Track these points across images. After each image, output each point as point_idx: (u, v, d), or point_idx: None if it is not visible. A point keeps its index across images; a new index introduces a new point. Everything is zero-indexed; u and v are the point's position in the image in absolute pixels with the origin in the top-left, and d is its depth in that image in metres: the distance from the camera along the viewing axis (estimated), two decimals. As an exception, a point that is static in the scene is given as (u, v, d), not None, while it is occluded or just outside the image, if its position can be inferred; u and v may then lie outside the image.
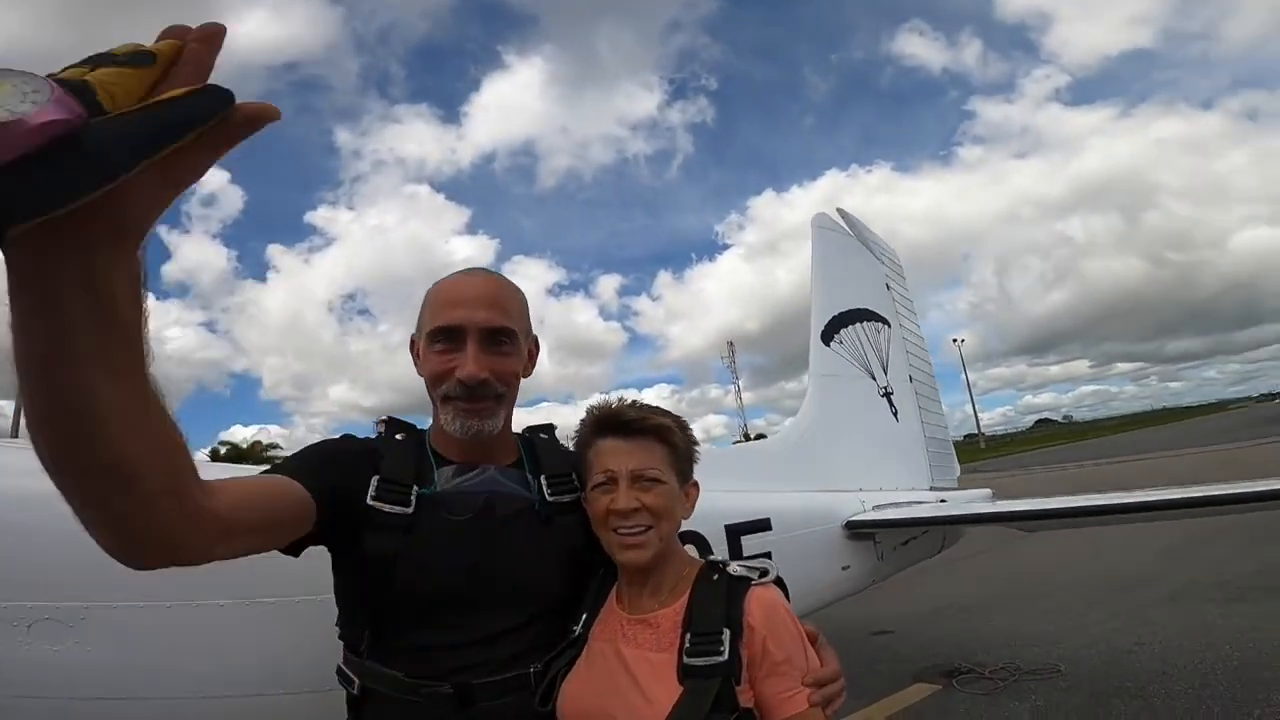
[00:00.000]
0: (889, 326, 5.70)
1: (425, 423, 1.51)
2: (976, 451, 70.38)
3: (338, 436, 1.48)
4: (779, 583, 1.32)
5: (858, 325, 5.40)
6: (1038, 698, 4.41)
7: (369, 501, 1.32)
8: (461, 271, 1.49)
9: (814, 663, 1.25)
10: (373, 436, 1.48)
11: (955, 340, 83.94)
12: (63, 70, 0.56)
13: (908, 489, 5.13)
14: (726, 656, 1.18)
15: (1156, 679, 4.47)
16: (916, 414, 5.68)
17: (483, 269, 1.51)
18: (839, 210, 5.91)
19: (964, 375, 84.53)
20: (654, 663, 1.23)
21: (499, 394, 1.39)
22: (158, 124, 0.56)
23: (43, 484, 1.80)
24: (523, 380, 1.48)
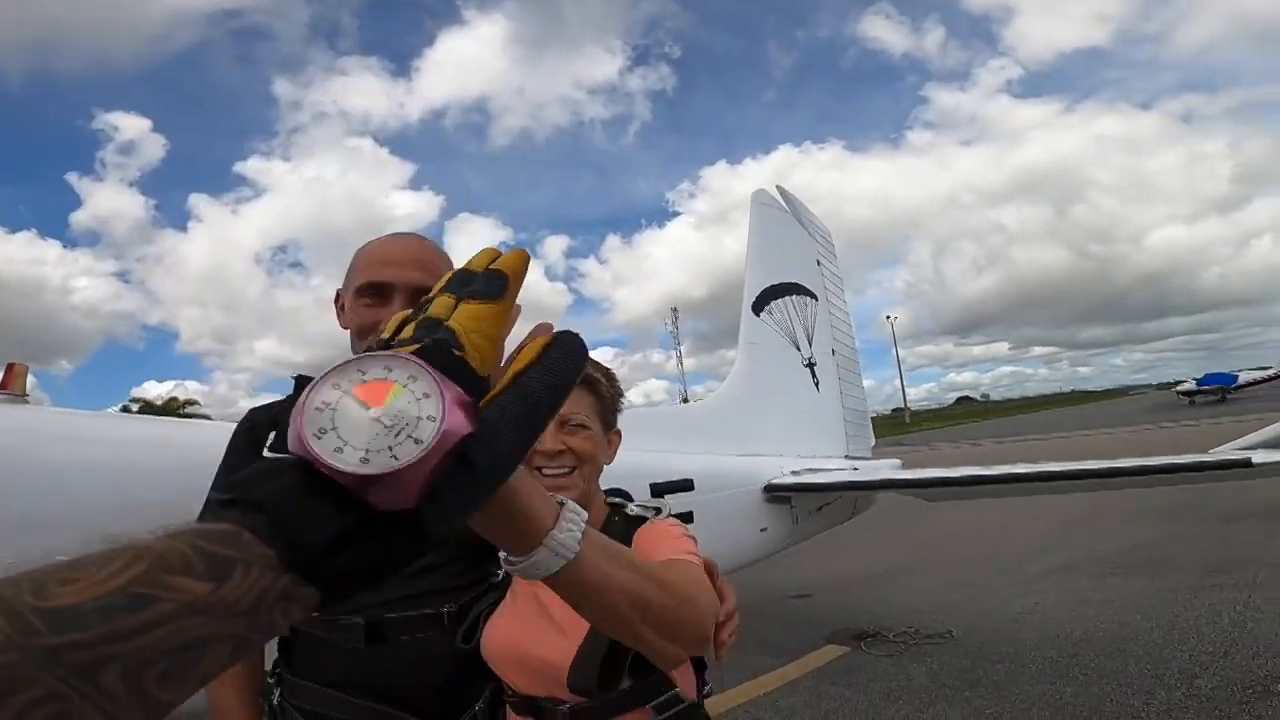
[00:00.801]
0: (817, 301, 5.88)
1: None
2: (902, 425, 72.93)
3: (239, 424, 1.53)
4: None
5: (787, 298, 5.56)
6: (933, 661, 4.68)
7: (265, 454, 1.32)
8: (393, 234, 1.55)
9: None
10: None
11: (889, 317, 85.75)
12: (419, 311, 0.52)
13: (825, 457, 5.33)
14: None
15: (1033, 646, 4.79)
16: (837, 386, 5.89)
17: (414, 234, 1.56)
18: (778, 188, 6.04)
19: (895, 351, 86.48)
20: None
21: None
22: (529, 406, 0.50)
23: None
24: None
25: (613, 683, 1.19)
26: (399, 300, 1.41)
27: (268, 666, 1.48)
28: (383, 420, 0.42)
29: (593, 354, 1.41)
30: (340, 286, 1.54)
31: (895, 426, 69.40)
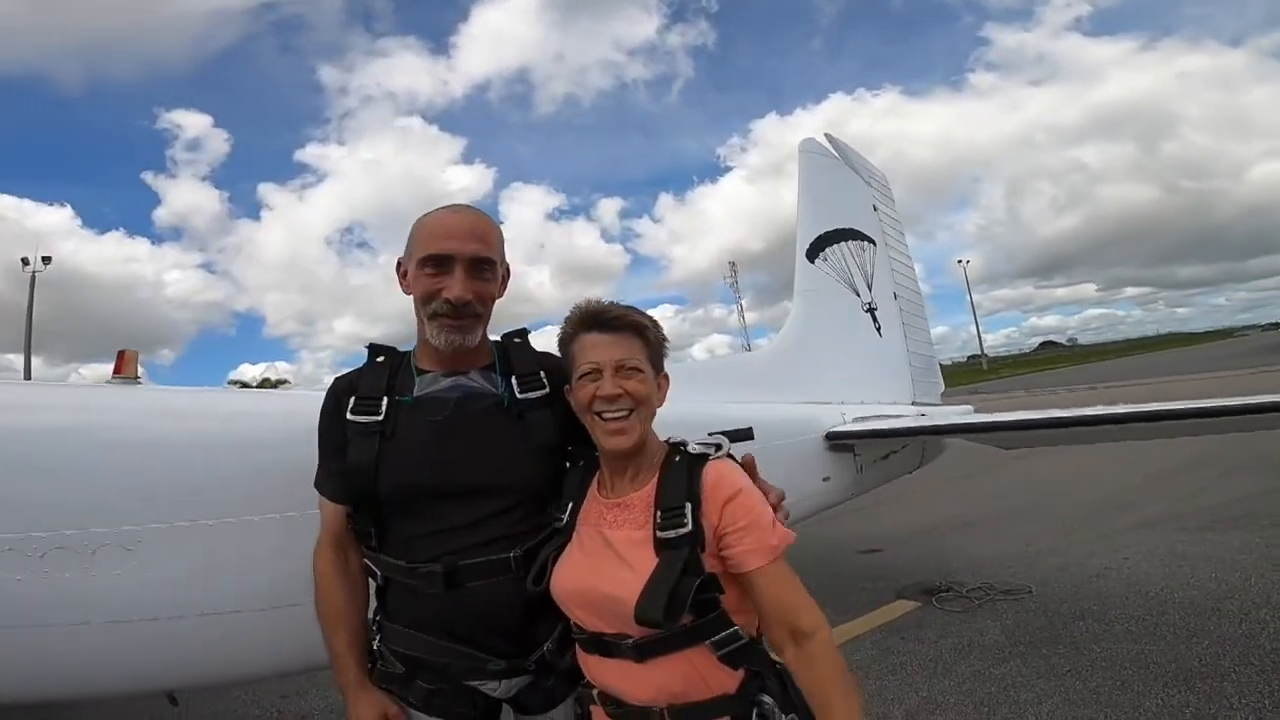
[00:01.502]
0: (874, 246, 5.76)
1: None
2: (979, 372, 70.64)
3: (327, 392, 1.71)
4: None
5: (843, 244, 5.47)
6: (1008, 617, 4.57)
7: (348, 417, 1.60)
8: (448, 207, 1.69)
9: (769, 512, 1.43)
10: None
11: (960, 261, 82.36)
12: None
13: (889, 403, 5.23)
14: (690, 528, 1.36)
15: (1119, 603, 4.62)
16: (900, 330, 5.77)
17: (467, 205, 1.71)
18: (827, 135, 5.96)
19: (968, 296, 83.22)
20: (634, 540, 1.41)
21: (478, 313, 1.63)
22: None
23: (98, 419, 2.18)
24: (506, 302, 1.75)
25: (677, 614, 1.30)
26: (459, 270, 1.58)
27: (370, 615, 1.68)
28: None
29: (652, 312, 1.63)
30: (401, 256, 1.70)
31: (972, 374, 67.26)
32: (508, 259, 1.75)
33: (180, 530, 2.06)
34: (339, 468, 1.61)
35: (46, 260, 34.51)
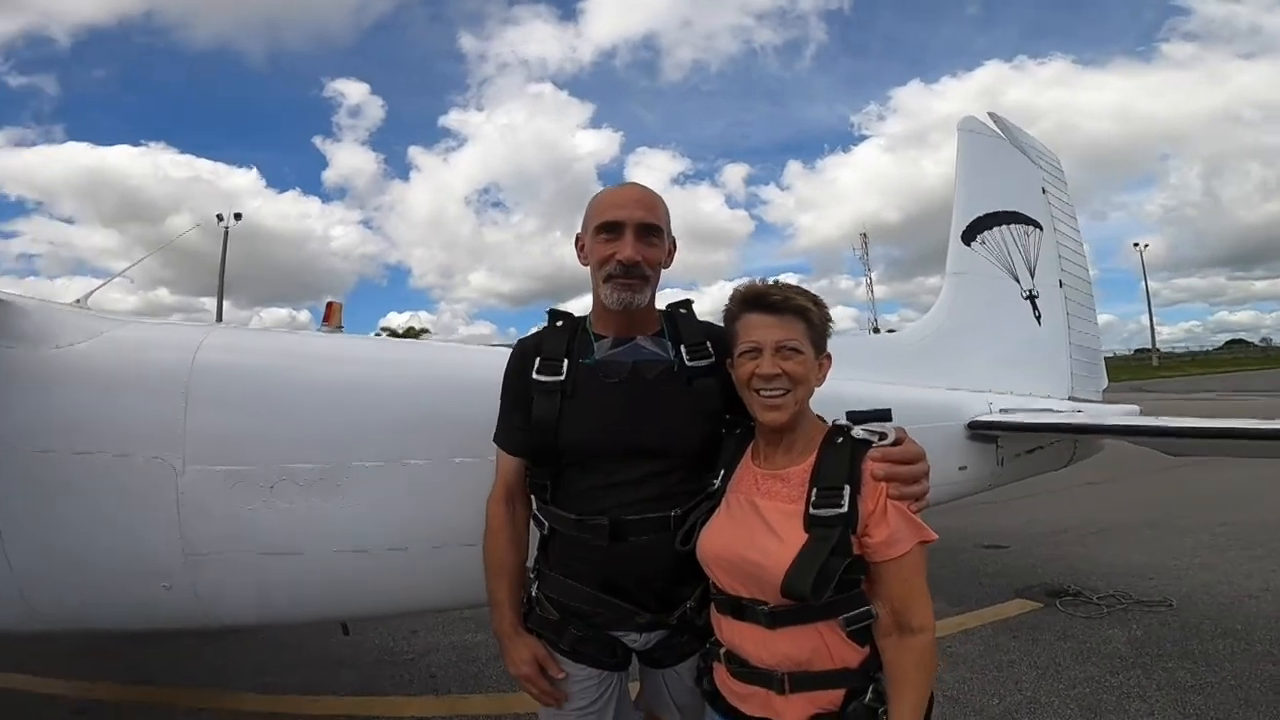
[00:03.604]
0: (1040, 230, 5.60)
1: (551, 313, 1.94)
2: (1147, 369, 64.64)
3: (512, 351, 1.92)
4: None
5: (1004, 227, 5.36)
6: (1138, 628, 4.50)
7: (533, 376, 1.80)
8: (619, 184, 1.90)
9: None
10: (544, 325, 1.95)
11: (1138, 245, 75.06)
12: None
13: (1043, 396, 5.13)
14: (846, 509, 1.44)
15: (1267, 625, 4.50)
16: (1064, 320, 5.61)
17: (635, 182, 1.91)
18: (990, 114, 5.74)
19: (1144, 283, 75.96)
20: (785, 512, 1.50)
21: (646, 275, 1.79)
22: None
23: (318, 364, 2.65)
24: (662, 271, 1.90)
25: (823, 590, 1.40)
26: (629, 234, 1.77)
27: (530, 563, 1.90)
28: None
29: (777, 278, 1.72)
30: (580, 231, 1.92)
31: (1138, 370, 61.51)
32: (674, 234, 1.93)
33: (380, 469, 2.29)
34: (520, 422, 1.80)
35: (238, 217, 40.59)
